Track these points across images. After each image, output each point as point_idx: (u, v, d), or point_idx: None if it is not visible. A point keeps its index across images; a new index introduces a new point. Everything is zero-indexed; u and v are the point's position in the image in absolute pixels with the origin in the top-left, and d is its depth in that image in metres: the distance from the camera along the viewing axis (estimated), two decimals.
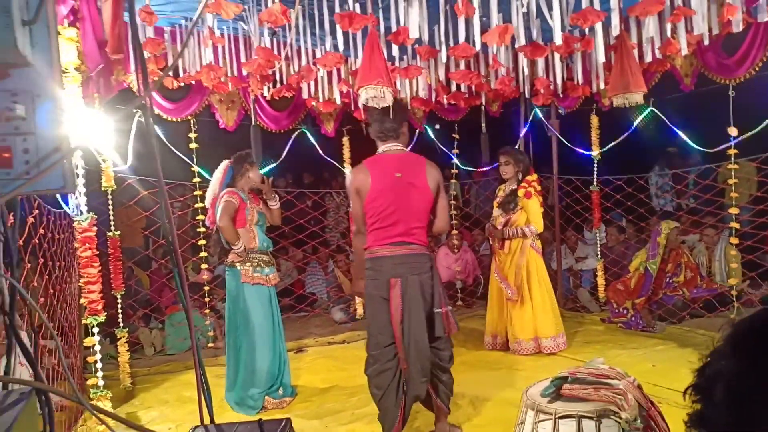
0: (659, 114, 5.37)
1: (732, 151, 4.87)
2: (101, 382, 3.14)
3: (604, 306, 6.00)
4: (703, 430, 0.82)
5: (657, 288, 5.62)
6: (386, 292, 3.13)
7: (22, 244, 2.73)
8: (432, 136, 6.49)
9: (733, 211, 4.93)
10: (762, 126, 4.66)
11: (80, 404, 0.87)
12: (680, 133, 5.35)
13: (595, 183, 6.14)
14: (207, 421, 1.23)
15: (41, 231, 2.93)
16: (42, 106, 1.11)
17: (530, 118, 6.41)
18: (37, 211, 2.88)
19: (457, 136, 6.66)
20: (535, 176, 5.04)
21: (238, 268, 3.88)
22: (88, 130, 3.02)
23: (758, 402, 0.74)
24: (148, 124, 1.30)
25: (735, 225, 5.00)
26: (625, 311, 5.63)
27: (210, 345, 5.43)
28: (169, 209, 1.24)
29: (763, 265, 5.27)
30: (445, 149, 6.59)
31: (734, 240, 5.04)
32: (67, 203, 3.33)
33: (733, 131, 4.80)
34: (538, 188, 4.99)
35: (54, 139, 1.14)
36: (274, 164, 5.85)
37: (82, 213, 3.07)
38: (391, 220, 3.14)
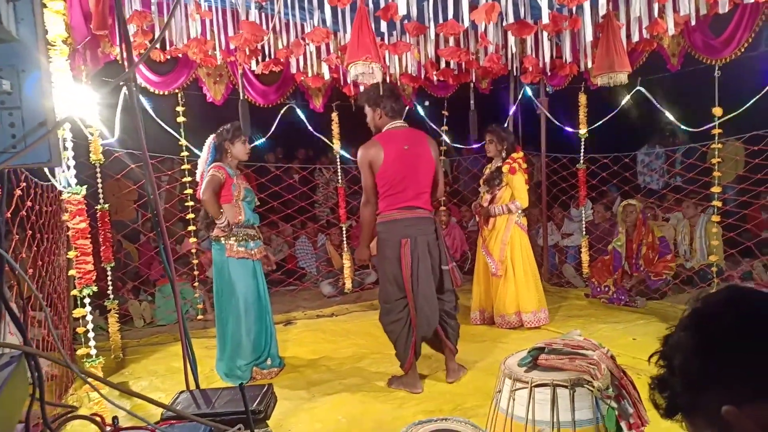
0: (646, 93, 5.40)
1: (716, 131, 4.92)
2: (93, 351, 3.19)
3: (588, 281, 6.11)
4: (663, 394, 0.88)
5: (630, 264, 5.74)
6: (397, 251, 3.54)
7: (9, 216, 2.75)
8: (422, 112, 6.50)
9: (716, 189, 5.01)
10: (745, 107, 4.72)
11: (68, 368, 0.91)
12: (666, 113, 5.40)
13: (581, 161, 6.19)
14: (192, 386, 1.28)
15: (29, 203, 2.95)
16: (28, 81, 1.13)
17: (519, 96, 6.42)
18: (24, 184, 2.89)
19: (446, 113, 6.67)
20: (521, 154, 5.08)
21: (223, 242, 3.91)
22: (75, 103, 3.02)
23: (705, 378, 0.80)
24: (133, 101, 1.33)
25: (717, 203, 5.08)
26: (606, 289, 5.75)
27: (200, 317, 5.49)
28: (154, 183, 1.27)
29: (744, 243, 5.37)
30: (434, 126, 6.61)
31: (716, 218, 5.14)
32: (54, 175, 3.33)
33: (718, 111, 4.85)
34: (524, 165, 5.04)
35: (40, 113, 1.16)
36: (263, 139, 5.86)
37: (70, 186, 3.08)
38: (401, 188, 3.55)
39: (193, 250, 5.44)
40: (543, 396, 1.99)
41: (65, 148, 2.96)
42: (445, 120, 6.70)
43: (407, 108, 6.03)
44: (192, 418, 1.03)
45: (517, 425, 2.02)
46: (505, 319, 5.01)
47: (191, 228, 5.35)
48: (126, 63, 1.44)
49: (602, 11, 3.73)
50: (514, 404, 2.04)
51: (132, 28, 3.95)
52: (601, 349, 2.06)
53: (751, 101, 4.66)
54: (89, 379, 1.07)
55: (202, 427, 1.12)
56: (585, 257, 6.24)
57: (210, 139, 4.02)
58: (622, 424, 1.92)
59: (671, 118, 5.41)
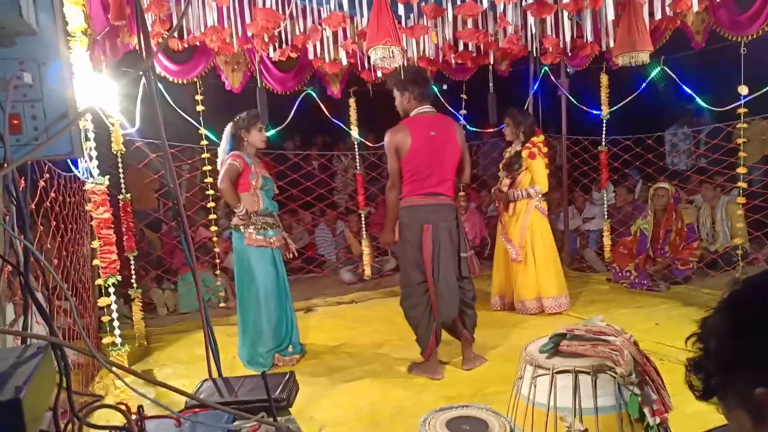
0: (669, 72, 5.28)
1: (742, 110, 4.81)
2: (119, 340, 3.25)
3: (610, 266, 6.04)
4: (698, 375, 0.89)
5: (655, 248, 5.64)
6: (419, 236, 3.57)
7: (33, 207, 2.79)
8: (440, 96, 6.44)
9: (741, 170, 4.90)
10: None
11: (93, 358, 0.92)
12: (690, 92, 5.28)
13: (603, 143, 6.10)
14: (215, 374, 1.30)
15: (52, 194, 2.99)
16: (49, 74, 1.14)
17: (539, 78, 6.33)
18: (47, 175, 2.93)
19: (465, 96, 6.60)
20: (541, 137, 5.01)
21: (242, 230, 3.93)
22: (96, 94, 3.04)
23: (738, 361, 0.80)
24: (152, 91, 1.33)
25: (743, 185, 4.97)
26: (628, 273, 5.67)
27: (222, 305, 5.55)
28: (174, 173, 1.28)
29: None
30: (452, 110, 6.55)
31: (741, 200, 5.03)
32: (77, 166, 3.38)
33: (743, 90, 4.73)
34: (544, 149, 4.96)
35: (61, 105, 1.17)
36: (281, 127, 5.86)
37: (92, 176, 3.12)
38: (426, 174, 3.57)
39: (215, 238, 5.49)
40: (565, 383, 1.97)
41: (87, 139, 3.00)
42: (464, 103, 6.63)
43: None
44: (215, 406, 1.04)
45: (539, 412, 2.01)
46: (526, 304, 4.98)
47: (212, 216, 5.39)
48: (144, 53, 1.44)
49: None
50: (536, 391, 2.03)
51: (149, 17, 3.97)
52: (623, 335, 2.03)
53: None
54: (113, 368, 1.08)
55: (225, 416, 1.13)
56: (607, 241, 6.17)
57: (228, 128, 4.03)
58: (646, 411, 1.90)
59: (696, 97, 5.28)
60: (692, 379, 0.90)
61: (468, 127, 6.75)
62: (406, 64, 5.20)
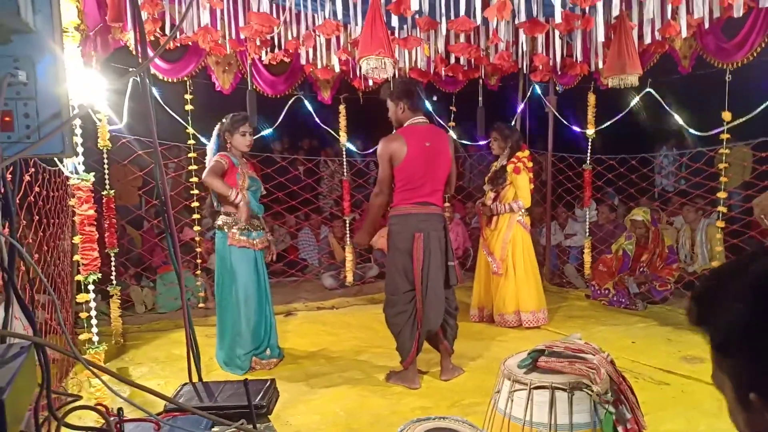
0: (656, 95, 5.38)
1: (724, 136, 4.91)
2: (96, 338, 3.21)
3: (589, 283, 6.11)
4: (699, 309, 0.82)
5: (635, 268, 5.74)
6: (410, 245, 3.61)
7: (18, 201, 2.76)
8: (430, 107, 6.48)
9: (721, 195, 5.00)
10: (755, 113, 4.71)
11: (76, 359, 0.92)
12: (675, 116, 5.38)
13: (588, 161, 6.18)
14: (195, 379, 1.30)
15: (36, 189, 2.96)
16: (43, 72, 1.14)
17: (528, 94, 6.40)
18: (33, 170, 2.90)
19: (454, 109, 6.66)
20: (526, 152, 5.07)
21: (226, 230, 3.92)
22: (85, 89, 3.03)
23: (743, 354, 0.74)
24: (146, 95, 1.33)
25: (722, 209, 5.08)
26: (606, 292, 5.74)
27: (201, 305, 5.52)
28: (163, 171, 1.28)
29: (745, 248, 5.36)
30: (441, 121, 6.60)
31: (720, 224, 5.13)
32: (62, 161, 3.35)
33: (726, 116, 4.84)
34: (529, 164, 5.03)
35: (54, 104, 1.17)
36: (270, 129, 5.86)
37: (78, 172, 3.09)
38: (419, 183, 3.61)
39: (197, 238, 5.46)
40: (541, 398, 2.00)
41: (74, 134, 2.97)
42: (453, 115, 6.68)
43: None
44: (195, 411, 1.04)
45: (515, 426, 2.03)
46: (504, 317, 5.02)
47: (195, 216, 5.37)
48: (140, 56, 1.44)
49: (615, 12, 3.72)
50: (512, 405, 2.05)
51: (143, 16, 3.95)
52: (601, 353, 2.07)
53: (762, 107, 4.64)
54: (93, 369, 1.08)
55: (204, 421, 1.13)
56: (587, 258, 6.24)
57: (215, 129, 4.02)
58: (619, 429, 1.93)
59: (680, 121, 5.39)
60: (692, 306, 0.81)
61: (455, 138, 6.80)
62: (398, 74, 5.26)
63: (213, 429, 1.12)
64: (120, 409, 1.06)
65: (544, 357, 2.12)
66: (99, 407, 1.06)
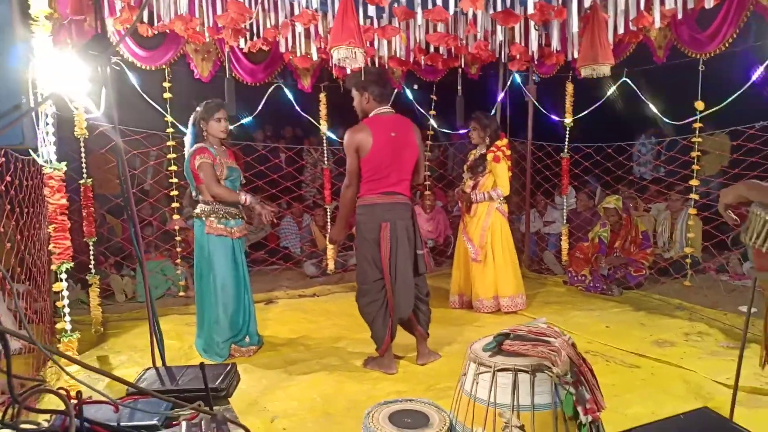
0: (631, 85, 5.45)
1: (697, 125, 4.99)
2: (69, 327, 3.22)
3: (566, 269, 6.21)
4: None
5: (610, 254, 5.85)
6: (377, 234, 3.63)
7: None
8: (410, 96, 6.51)
9: (694, 182, 5.10)
10: (726, 102, 4.79)
11: (32, 343, 0.96)
12: (650, 105, 5.46)
13: (565, 150, 6.25)
14: (159, 363, 1.33)
15: (8, 178, 2.95)
16: (3, 63, 1.15)
17: (508, 83, 6.45)
18: (3, 159, 2.90)
19: (434, 98, 6.69)
20: (505, 141, 5.12)
21: (204, 219, 3.94)
22: (59, 79, 3.01)
23: None
24: (105, 81, 1.35)
25: (695, 196, 5.18)
26: (583, 278, 5.84)
27: (182, 294, 5.54)
28: (125, 165, 1.30)
29: (719, 236, 5.47)
30: (422, 110, 6.63)
31: (693, 211, 5.24)
32: (36, 151, 3.34)
33: (699, 105, 4.92)
34: (507, 153, 5.08)
35: (15, 95, 1.18)
36: (250, 117, 5.85)
37: (51, 161, 3.09)
38: (385, 173, 3.62)
39: (177, 227, 5.47)
40: (505, 380, 2.05)
41: (47, 124, 2.96)
42: (433, 104, 6.71)
43: (395, 91, 6.06)
44: (153, 394, 1.08)
45: (479, 407, 2.09)
46: (483, 303, 5.09)
47: (175, 205, 5.37)
48: (101, 48, 1.46)
49: (587, 2, 3.76)
50: (477, 387, 2.11)
51: (119, 4, 3.94)
52: (563, 336, 2.13)
53: (733, 96, 4.73)
54: (53, 356, 1.11)
55: (164, 404, 1.17)
56: (565, 245, 6.34)
57: (191, 118, 4.01)
58: (579, 409, 2.00)
59: (654, 110, 5.47)
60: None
61: (436, 127, 6.84)
62: (377, 63, 5.28)
63: (171, 410, 1.16)
64: (79, 392, 1.10)
65: (509, 341, 2.18)
66: (60, 391, 1.09)
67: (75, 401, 1.09)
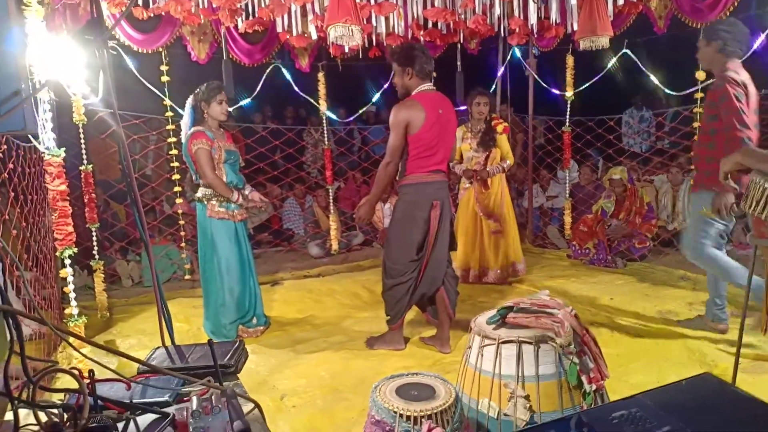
0: (632, 56, 5.41)
1: (699, 95, 4.96)
2: (75, 311, 3.25)
3: (570, 243, 6.22)
4: None
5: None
6: (428, 213, 3.57)
7: None
8: None
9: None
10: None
11: (43, 323, 0.98)
12: (651, 76, 5.42)
13: (567, 123, 6.22)
14: (168, 343, 1.35)
15: (10, 165, 2.96)
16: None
17: (508, 58, 6.39)
18: (5, 146, 2.90)
19: (434, 74, 6.62)
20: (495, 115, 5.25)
21: (205, 203, 3.94)
22: (55, 65, 3.00)
23: None
24: (104, 66, 1.35)
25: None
26: (587, 251, 5.86)
27: (187, 277, 5.57)
28: (126, 150, 1.31)
29: None
30: None
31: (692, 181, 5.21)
32: (37, 137, 3.34)
33: (701, 75, 4.88)
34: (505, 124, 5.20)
35: (14, 81, 1.18)
36: (248, 99, 5.83)
37: (48, 148, 3.09)
38: (434, 151, 3.56)
39: (180, 211, 5.48)
40: (509, 352, 2.08)
41: (45, 111, 2.96)
42: (432, 80, 6.65)
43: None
44: (165, 371, 1.10)
45: (485, 379, 2.12)
46: (501, 273, 5.21)
47: (177, 189, 5.38)
48: (98, 32, 1.46)
49: None
50: (482, 360, 2.14)
51: None
52: (565, 308, 2.15)
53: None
54: (66, 336, 1.14)
55: (175, 380, 1.19)
56: (568, 219, 6.35)
57: (189, 101, 3.99)
58: (583, 378, 2.03)
59: (655, 81, 5.43)
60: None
61: None
62: (375, 40, 5.23)
63: (182, 387, 1.19)
64: (91, 371, 1.12)
65: (512, 313, 2.20)
66: (72, 370, 1.11)
67: (88, 380, 1.11)
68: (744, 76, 3.37)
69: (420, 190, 3.59)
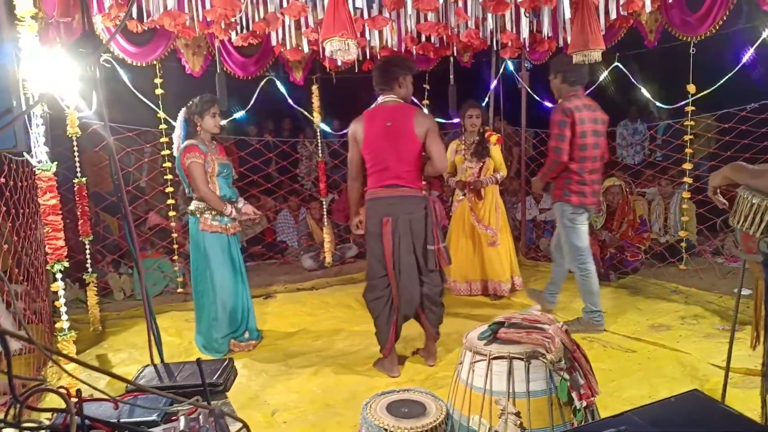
0: (623, 69, 5.46)
1: (689, 108, 5.01)
2: (66, 325, 3.23)
3: None
4: None
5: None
6: (380, 229, 3.53)
7: None
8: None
9: (687, 166, 5.12)
10: (717, 85, 4.81)
11: (31, 343, 0.97)
12: (642, 89, 5.47)
13: None
14: (157, 360, 1.35)
15: (2, 179, 2.96)
16: None
17: (501, 71, 6.44)
18: None
19: (427, 87, 6.68)
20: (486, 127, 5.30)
21: (198, 216, 3.93)
22: (48, 79, 3.00)
23: None
24: (96, 80, 1.36)
25: (688, 180, 5.20)
26: None
27: (179, 290, 5.54)
28: (117, 163, 1.31)
29: (713, 219, 5.51)
30: (415, 100, 6.61)
31: (686, 194, 5.26)
32: (30, 152, 3.33)
33: (691, 88, 4.94)
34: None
35: (4, 99, 1.19)
36: (242, 112, 5.84)
37: (39, 162, 3.08)
38: (384, 165, 3.52)
39: (173, 224, 5.46)
40: (500, 368, 2.08)
41: (38, 125, 2.95)
42: (426, 93, 6.71)
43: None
44: (152, 391, 1.10)
45: (476, 395, 2.12)
46: (502, 286, 5.20)
47: (170, 201, 5.37)
48: (91, 48, 1.46)
49: None
50: (473, 375, 2.14)
51: (107, 1, 3.92)
52: (556, 323, 2.16)
53: (723, 79, 4.74)
54: (53, 356, 1.13)
55: (162, 399, 1.19)
56: None
57: (181, 114, 3.99)
58: (573, 395, 2.03)
59: (647, 94, 5.48)
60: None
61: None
62: (369, 53, 5.27)
63: (170, 406, 1.18)
64: (78, 390, 1.11)
65: (504, 328, 2.21)
66: (60, 389, 1.11)
67: (75, 399, 1.11)
68: (579, 103, 3.92)
69: (371, 206, 3.58)
